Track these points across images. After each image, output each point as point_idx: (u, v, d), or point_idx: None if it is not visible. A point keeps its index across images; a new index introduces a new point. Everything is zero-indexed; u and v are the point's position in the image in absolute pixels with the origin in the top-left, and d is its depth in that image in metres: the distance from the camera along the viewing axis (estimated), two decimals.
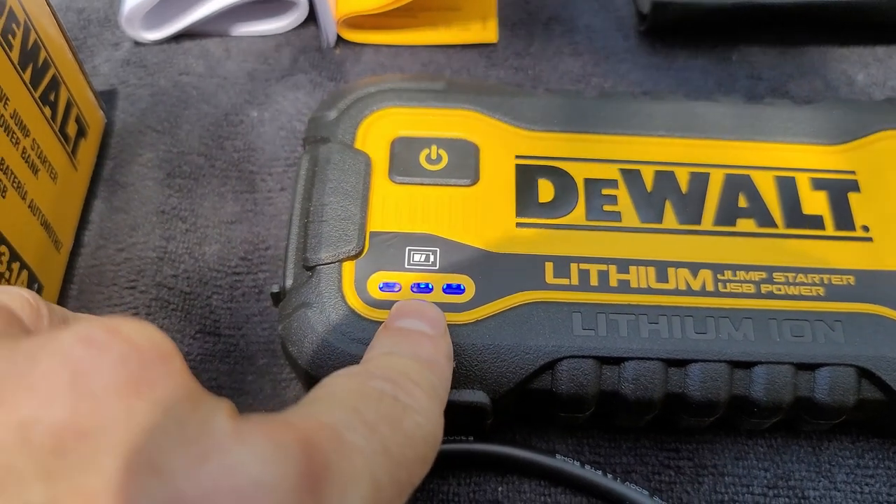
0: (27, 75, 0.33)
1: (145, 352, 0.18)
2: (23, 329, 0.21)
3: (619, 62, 0.45)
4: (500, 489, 0.32)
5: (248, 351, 0.35)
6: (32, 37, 0.33)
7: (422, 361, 0.26)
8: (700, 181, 0.34)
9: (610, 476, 0.31)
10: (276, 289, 0.32)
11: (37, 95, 0.34)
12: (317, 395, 0.22)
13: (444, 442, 0.31)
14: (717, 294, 0.31)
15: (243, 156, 0.40)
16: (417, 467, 0.22)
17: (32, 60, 0.33)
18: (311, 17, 0.45)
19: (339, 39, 0.45)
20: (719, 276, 0.31)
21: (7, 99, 0.31)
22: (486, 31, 0.45)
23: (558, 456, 0.32)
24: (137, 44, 0.44)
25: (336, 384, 0.23)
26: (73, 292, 0.37)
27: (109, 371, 0.17)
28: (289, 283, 0.32)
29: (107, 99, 0.42)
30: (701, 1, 0.43)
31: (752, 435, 0.33)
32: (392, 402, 0.23)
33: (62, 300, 0.36)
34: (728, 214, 0.33)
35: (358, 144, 0.34)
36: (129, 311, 0.35)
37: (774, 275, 0.32)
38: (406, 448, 0.22)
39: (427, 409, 0.23)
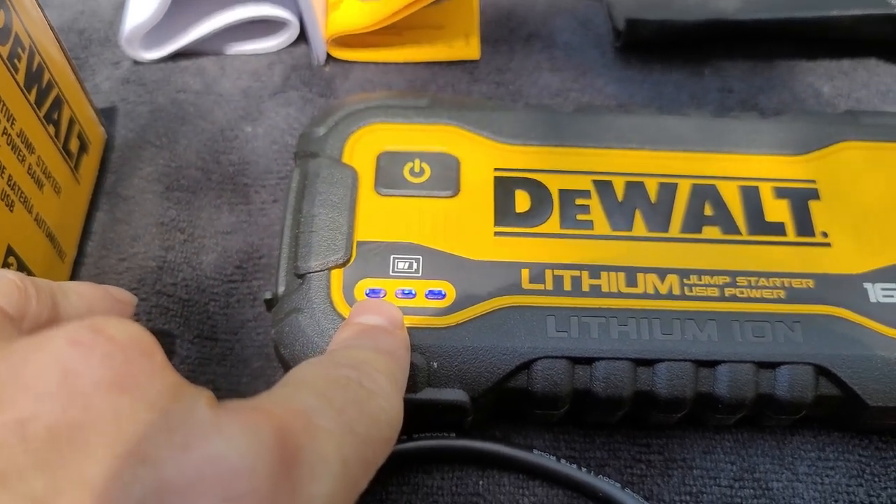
0: (32, 96, 0.35)
1: (128, 349, 0.19)
2: (13, 324, 0.23)
3: (596, 77, 0.46)
4: (480, 483, 0.34)
5: (244, 355, 0.37)
6: (37, 59, 0.35)
7: (382, 352, 0.27)
8: (668, 191, 0.36)
9: (584, 470, 0.33)
10: (269, 295, 0.34)
11: (41, 115, 0.35)
12: (288, 380, 0.24)
13: (427, 438, 0.33)
14: (683, 297, 0.33)
15: (238, 169, 0.42)
16: (381, 447, 0.24)
17: (37, 82, 0.35)
18: (302, 37, 0.47)
19: (329, 57, 0.46)
20: (685, 281, 0.33)
21: (14, 119, 0.33)
22: (468, 48, 0.47)
23: (535, 451, 0.33)
24: (137, 63, 0.46)
25: (306, 371, 0.25)
26: None
27: (96, 369, 0.18)
28: (281, 289, 0.34)
29: (107, 115, 0.44)
30: (674, 18, 0.45)
31: (719, 430, 0.35)
32: (357, 387, 0.24)
33: None
34: (694, 222, 0.35)
35: (345, 159, 0.36)
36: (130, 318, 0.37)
37: (738, 279, 0.33)
38: (371, 429, 0.23)
39: (389, 394, 0.25)
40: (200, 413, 0.19)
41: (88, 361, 0.19)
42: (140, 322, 0.37)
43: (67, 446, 0.17)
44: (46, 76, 0.36)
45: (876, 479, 0.34)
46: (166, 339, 0.37)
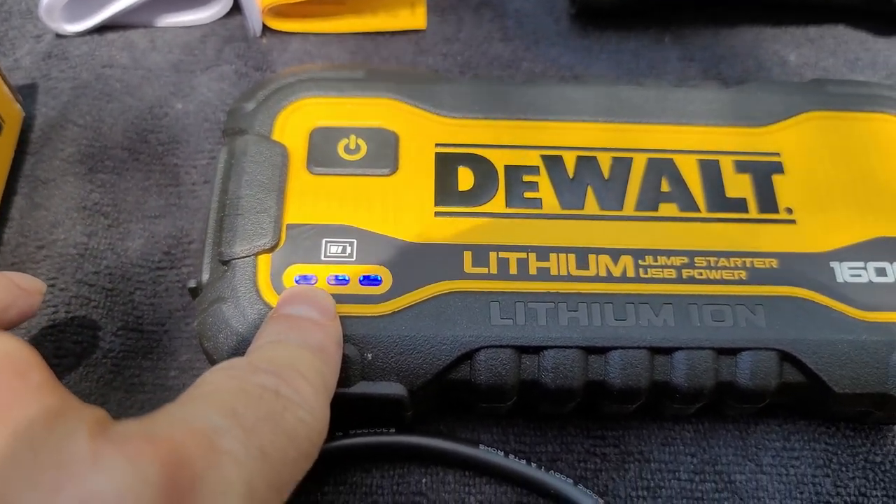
0: None
1: None
2: None
3: (550, 46, 0.44)
4: (423, 481, 0.32)
5: (171, 347, 0.35)
6: None
7: (311, 349, 0.25)
8: (623, 166, 0.33)
9: (534, 465, 0.31)
10: (193, 284, 0.32)
11: None
12: (196, 392, 0.22)
13: (365, 434, 0.31)
14: (637, 280, 0.31)
15: (167, 149, 0.40)
16: (299, 464, 0.22)
17: None
18: (237, 7, 0.44)
19: (265, 29, 0.44)
20: (640, 262, 0.31)
21: None
22: (414, 18, 0.44)
23: (482, 446, 0.31)
24: (60, 36, 0.43)
25: (216, 380, 0.22)
26: None
27: None
28: (205, 277, 0.31)
29: (28, 93, 0.41)
30: None
31: (678, 420, 0.33)
32: (273, 398, 0.22)
33: None
34: (650, 199, 0.33)
35: (276, 136, 0.33)
36: (48, 310, 0.35)
37: (696, 259, 0.31)
38: (287, 448, 0.21)
39: (311, 404, 0.23)
40: (78, 445, 0.17)
41: None
42: (59, 314, 0.35)
43: None
44: None
45: (843, 469, 0.32)
46: (88, 332, 0.35)
